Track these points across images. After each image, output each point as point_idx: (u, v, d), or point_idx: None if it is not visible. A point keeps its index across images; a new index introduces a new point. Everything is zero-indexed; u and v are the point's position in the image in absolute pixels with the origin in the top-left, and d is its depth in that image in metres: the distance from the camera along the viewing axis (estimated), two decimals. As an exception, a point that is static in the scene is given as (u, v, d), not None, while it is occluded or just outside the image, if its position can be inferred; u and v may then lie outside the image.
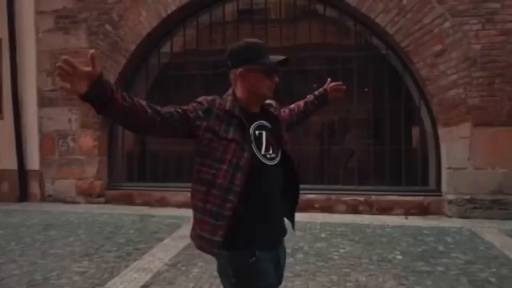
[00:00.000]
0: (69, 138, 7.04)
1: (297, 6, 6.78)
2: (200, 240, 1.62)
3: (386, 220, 5.57)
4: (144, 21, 6.73)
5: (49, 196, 7.08)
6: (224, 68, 1.73)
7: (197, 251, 4.02)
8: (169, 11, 6.64)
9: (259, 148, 1.62)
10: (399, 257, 4.00)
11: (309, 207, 6.08)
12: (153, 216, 5.89)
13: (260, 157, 1.61)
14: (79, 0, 6.93)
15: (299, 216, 5.64)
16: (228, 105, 1.62)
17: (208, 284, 3.35)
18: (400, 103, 6.31)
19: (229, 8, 6.92)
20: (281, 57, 1.66)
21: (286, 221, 1.79)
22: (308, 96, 2.24)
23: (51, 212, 6.20)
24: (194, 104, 1.60)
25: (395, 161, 6.29)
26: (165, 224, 5.41)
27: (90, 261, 3.95)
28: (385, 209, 5.95)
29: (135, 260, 3.97)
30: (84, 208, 6.48)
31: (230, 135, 1.56)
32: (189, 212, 5.88)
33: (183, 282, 3.42)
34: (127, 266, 3.80)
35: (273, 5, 6.92)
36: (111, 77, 6.81)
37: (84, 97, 1.30)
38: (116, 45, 6.82)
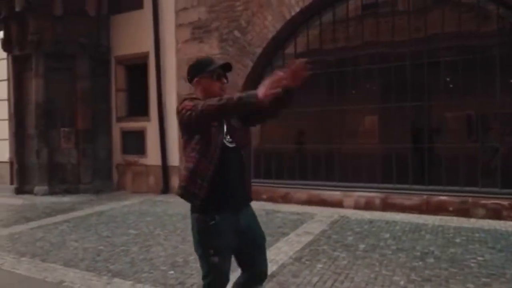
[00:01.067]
0: (203, 137, 7.72)
1: (427, -6, 6.34)
2: (188, 194, 2.11)
3: (537, 229, 4.86)
4: (269, 25, 7.03)
5: (187, 189, 7.87)
6: (189, 83, 2.27)
7: (321, 247, 4.08)
8: (293, 13, 6.81)
9: (223, 134, 2.12)
10: (554, 271, 3.47)
11: (441, 209, 5.64)
12: (278, 212, 6.13)
13: (224, 141, 2.12)
14: (212, 11, 7.56)
15: (428, 219, 5.26)
16: None
17: (332, 280, 3.38)
18: (557, 94, 5.44)
19: (353, 4, 6.79)
20: (222, 62, 2.21)
21: None
22: None
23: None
24: (197, 101, 2.05)
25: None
26: (289, 220, 5.58)
27: (222, 249, 4.30)
28: (537, 216, 5.20)
29: (262, 251, 4.19)
30: (216, 202, 7.05)
31: (213, 127, 2.08)
32: (312, 210, 6.03)
33: (307, 275, 3.50)
34: (254, 256, 4.04)
35: (400, -4, 6.59)
36: (240, 80, 7.30)
37: None
38: (244, 49, 7.26)
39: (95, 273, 3.64)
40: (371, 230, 4.96)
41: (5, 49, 8.46)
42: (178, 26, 8.00)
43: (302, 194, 6.76)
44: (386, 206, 6.04)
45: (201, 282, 3.39)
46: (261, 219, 5.39)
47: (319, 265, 3.75)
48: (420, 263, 3.74)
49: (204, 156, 2.05)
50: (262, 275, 2.40)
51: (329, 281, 3.37)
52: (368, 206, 6.16)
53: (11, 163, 9.03)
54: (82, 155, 8.29)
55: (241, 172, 2.20)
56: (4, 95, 9.75)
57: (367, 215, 5.78)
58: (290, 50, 7.33)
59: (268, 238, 4.58)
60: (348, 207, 6.27)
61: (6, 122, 9.43)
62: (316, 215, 5.82)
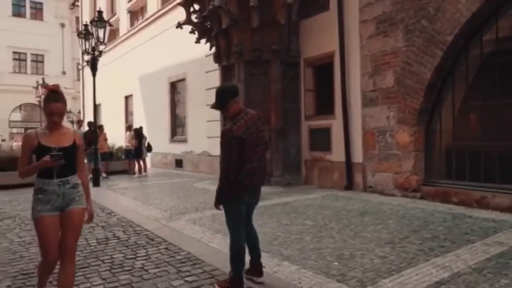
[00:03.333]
0: (387, 134, 7.49)
1: None
2: None
3: None
4: (462, 8, 6.29)
5: (370, 187, 7.79)
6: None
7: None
8: (492, -9, 5.94)
9: None
10: None
11: None
12: (468, 217, 5.47)
13: None
14: (396, 2, 7.25)
15: None
16: None
17: (517, 299, 2.90)
18: None
19: None
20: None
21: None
22: None
23: (369, 201, 6.83)
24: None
25: None
26: (480, 227, 4.92)
27: (392, 248, 4.17)
28: None
29: (436, 256, 3.88)
30: (399, 201, 6.76)
31: None
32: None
33: (485, 289, 3.10)
34: (426, 260, 3.78)
35: None
36: (427, 72, 6.79)
37: None
38: (432, 39, 6.71)
39: (269, 255, 4.07)
40: None
41: (216, 61, 10.06)
42: (362, 22, 7.96)
43: (503, 199, 5.83)
44: None
45: (362, 276, 3.42)
46: (446, 224, 4.99)
47: (504, 281, 3.24)
48: None
49: None
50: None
51: (515, 299, 2.91)
52: None
53: (221, 157, 10.66)
54: (275, 151, 9.13)
55: None
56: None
57: None
58: (490, 35, 6.40)
59: (447, 244, 4.26)
60: None
61: (219, 123, 11.17)
62: (517, 225, 4.97)
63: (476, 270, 3.49)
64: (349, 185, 8.16)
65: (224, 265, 3.74)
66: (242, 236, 3.28)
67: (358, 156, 8.09)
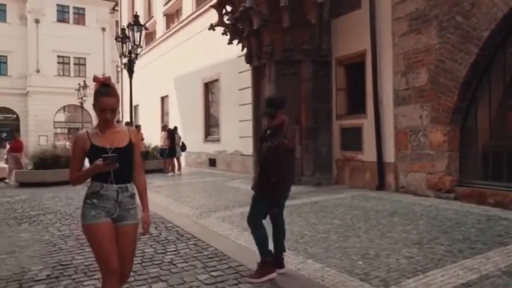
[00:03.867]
0: (420, 133, 7.33)
1: None
2: None
3: None
4: (499, 2, 6.07)
5: (402, 187, 7.64)
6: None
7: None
8: (532, -17, 5.71)
9: None
10: None
11: None
12: (504, 219, 5.28)
13: None
14: (430, -2, 7.09)
15: None
16: None
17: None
18: None
19: None
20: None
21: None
22: None
23: (400, 202, 6.71)
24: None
25: None
26: (515, 229, 4.76)
27: (419, 249, 4.12)
28: None
29: (465, 258, 3.80)
30: (431, 202, 6.60)
31: None
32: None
33: (514, 292, 3.01)
34: (454, 261, 3.71)
35: None
36: (462, 69, 6.60)
37: None
38: (467, 35, 6.51)
39: (294, 252, 4.12)
40: None
41: (247, 61, 10.18)
42: (395, 19, 7.83)
43: (543, 201, 5.59)
44: None
45: (385, 275, 3.41)
46: (479, 225, 4.87)
47: (536, 284, 3.14)
48: None
49: None
50: None
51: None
52: None
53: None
54: (305, 151, 9.14)
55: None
56: (250, 99, 11.69)
57: None
58: (529, 30, 6.15)
59: (478, 246, 4.16)
60: None
61: (251, 122, 11.30)
62: (557, 228, 4.75)
63: (506, 273, 3.40)
64: (381, 185, 8.05)
65: (249, 262, 3.83)
66: (263, 225, 3.61)
67: (390, 156, 7.96)
